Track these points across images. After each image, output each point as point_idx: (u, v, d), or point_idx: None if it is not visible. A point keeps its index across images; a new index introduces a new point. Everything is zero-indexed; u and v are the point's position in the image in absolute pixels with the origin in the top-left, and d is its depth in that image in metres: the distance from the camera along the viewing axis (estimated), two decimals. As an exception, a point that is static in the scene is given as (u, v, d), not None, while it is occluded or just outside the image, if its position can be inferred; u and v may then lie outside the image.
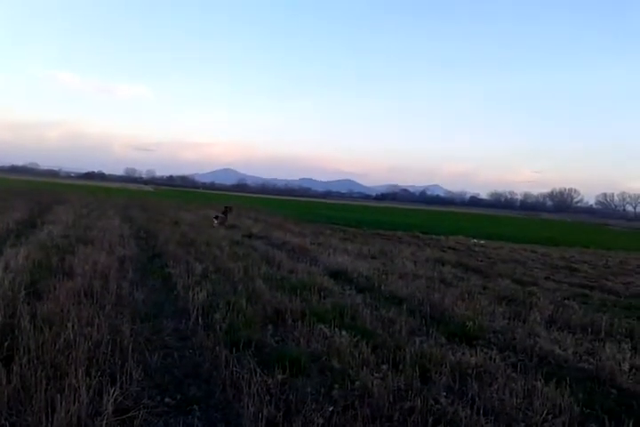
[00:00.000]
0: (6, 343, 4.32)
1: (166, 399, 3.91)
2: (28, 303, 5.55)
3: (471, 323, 6.42)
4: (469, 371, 4.86)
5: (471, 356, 5.29)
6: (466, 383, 4.60)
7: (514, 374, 4.89)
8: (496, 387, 4.53)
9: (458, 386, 4.54)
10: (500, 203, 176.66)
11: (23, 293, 5.87)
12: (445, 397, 4.24)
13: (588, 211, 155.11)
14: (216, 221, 18.96)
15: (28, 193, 33.69)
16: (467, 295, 8.59)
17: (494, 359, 5.28)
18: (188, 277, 8.04)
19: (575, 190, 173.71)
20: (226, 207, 21.23)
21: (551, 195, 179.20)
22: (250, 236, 16.37)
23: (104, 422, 3.19)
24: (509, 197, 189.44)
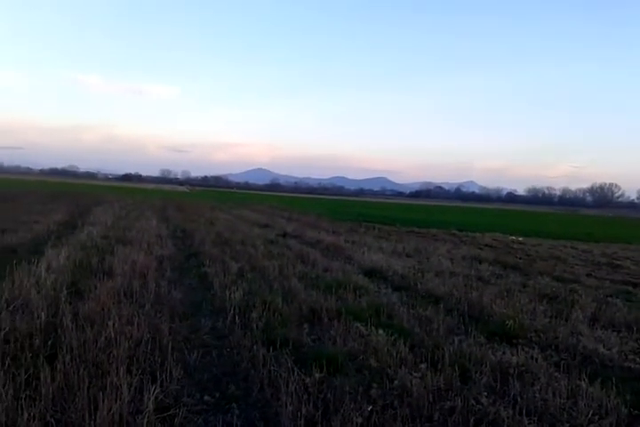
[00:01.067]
0: (50, 342, 4.43)
1: (205, 397, 3.95)
2: (70, 303, 5.67)
3: (511, 321, 6.28)
4: (511, 370, 4.75)
5: (512, 355, 5.18)
6: (507, 383, 4.49)
7: (557, 374, 4.77)
8: (539, 387, 4.42)
9: (499, 386, 4.44)
10: (538, 199, 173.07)
11: (65, 292, 6.01)
12: (486, 397, 4.15)
13: (630, 206, 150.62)
14: None
15: (67, 195, 34.60)
16: (506, 293, 8.42)
17: (536, 359, 5.16)
18: (225, 276, 8.10)
19: (616, 185, 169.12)
20: None
21: (591, 190, 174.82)
22: (284, 235, 16.42)
23: (145, 420, 3.23)
24: (547, 192, 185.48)
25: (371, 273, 9.75)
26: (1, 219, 14.55)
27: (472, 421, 3.67)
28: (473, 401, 4.01)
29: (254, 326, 5.56)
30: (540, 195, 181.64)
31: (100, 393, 3.43)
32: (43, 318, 4.95)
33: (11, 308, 5.20)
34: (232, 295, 6.67)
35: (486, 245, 18.94)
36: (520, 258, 15.15)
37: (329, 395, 3.96)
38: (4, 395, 3.27)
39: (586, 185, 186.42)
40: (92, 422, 3.13)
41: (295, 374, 4.17)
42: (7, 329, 4.50)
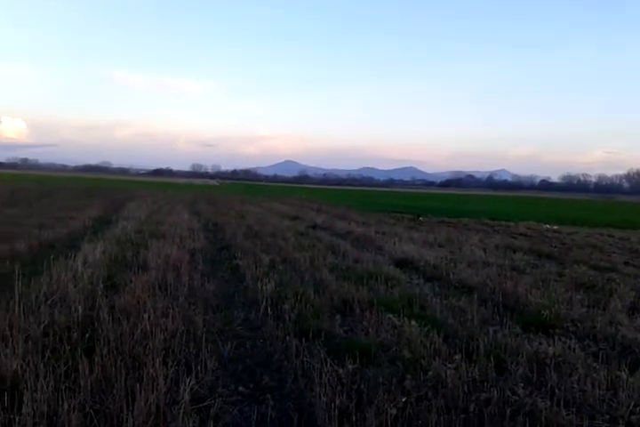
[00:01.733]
0: (87, 334, 4.52)
1: (240, 388, 3.98)
2: (107, 296, 5.79)
3: (547, 311, 6.16)
4: (547, 361, 4.67)
5: (549, 345, 5.08)
6: (544, 374, 4.41)
7: (595, 364, 4.65)
8: (576, 378, 4.32)
9: (535, 377, 4.36)
10: (573, 186, 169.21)
11: (101, 286, 6.12)
12: (523, 388, 4.07)
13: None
14: None
15: (101, 191, 35.33)
16: (541, 283, 8.27)
17: (573, 349, 5.04)
18: (256, 268, 8.16)
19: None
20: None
21: (628, 176, 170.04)
22: (314, 227, 16.44)
23: (181, 410, 3.28)
24: (582, 179, 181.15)
25: (402, 264, 9.69)
26: (38, 215, 14.94)
27: (508, 412, 3.60)
28: (509, 392, 3.94)
29: (287, 317, 5.58)
30: (575, 182, 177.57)
31: (137, 385, 3.49)
32: (80, 311, 5.05)
33: (49, 301, 5.33)
34: (264, 287, 6.71)
35: (520, 234, 18.63)
36: (555, 247, 14.86)
37: (362, 386, 3.95)
38: (45, 386, 3.36)
39: (622, 171, 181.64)
40: (130, 413, 3.18)
41: (328, 365, 4.17)
42: (46, 322, 4.61)
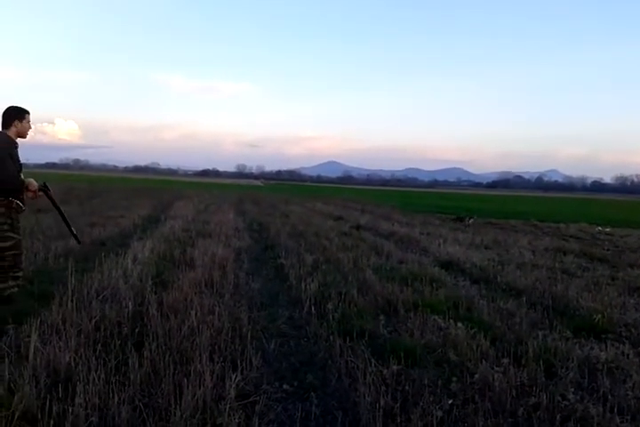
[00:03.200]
0: (137, 330, 4.64)
1: (284, 386, 4.00)
2: (155, 293, 5.92)
3: (599, 316, 5.95)
4: (599, 366, 4.50)
5: (601, 351, 4.91)
6: (596, 380, 4.26)
7: (651, 371, 4.46)
8: (631, 384, 4.15)
9: (587, 382, 4.21)
10: (627, 187, 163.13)
11: (150, 283, 6.28)
12: (573, 393, 3.94)
13: None
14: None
15: (150, 191, 36.23)
16: (593, 286, 8.00)
17: (627, 355, 4.86)
18: (300, 267, 8.19)
19: None
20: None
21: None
22: (357, 227, 16.39)
23: (227, 406, 3.31)
24: (636, 180, 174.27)
25: (447, 265, 9.55)
26: (90, 214, 15.44)
27: (558, 417, 3.50)
28: (559, 397, 3.82)
29: (330, 316, 5.58)
30: (629, 183, 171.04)
31: (185, 379, 3.55)
32: (130, 307, 5.20)
33: (101, 297, 5.51)
34: (307, 286, 6.73)
35: (571, 237, 18.07)
36: (608, 250, 14.33)
37: (407, 387, 3.90)
38: (96, 379, 3.46)
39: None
40: (178, 407, 3.24)
41: (372, 365, 4.15)
42: (98, 317, 4.76)
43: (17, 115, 5.02)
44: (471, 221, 19.45)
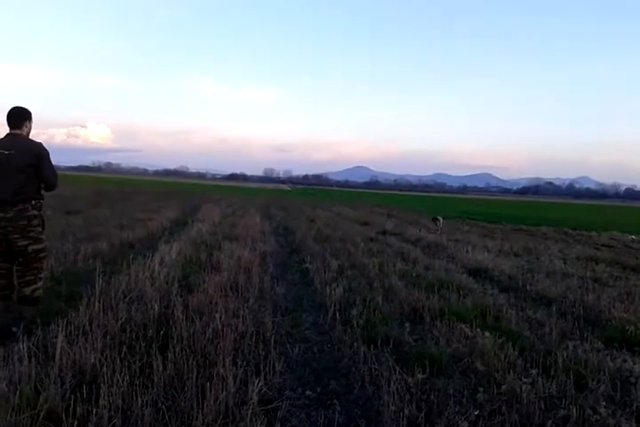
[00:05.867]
0: (162, 332, 4.66)
1: (307, 392, 3.96)
2: (181, 295, 5.95)
3: (632, 327, 5.76)
4: (632, 380, 4.35)
5: (634, 363, 4.74)
6: (629, 393, 4.11)
7: (687, 387, 4.29)
8: (665, 399, 4.01)
9: (619, 396, 4.07)
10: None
11: (176, 285, 6.32)
12: (605, 407, 3.80)
13: None
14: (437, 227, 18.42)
15: (179, 194, 36.69)
16: (626, 296, 7.77)
17: (662, 368, 4.70)
18: (325, 272, 8.16)
19: None
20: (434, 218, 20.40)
21: None
22: (384, 232, 16.28)
23: (249, 411, 3.29)
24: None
25: (475, 273, 9.39)
26: (119, 216, 15.69)
27: (589, 432, 3.39)
28: (590, 411, 3.69)
29: (354, 323, 5.52)
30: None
31: (208, 383, 3.54)
32: (156, 309, 5.23)
33: (127, 299, 5.55)
34: (332, 292, 6.69)
35: (603, 245, 17.65)
36: (641, 259, 13.94)
37: (432, 396, 3.82)
38: (120, 381, 3.48)
39: None
40: (200, 411, 3.23)
41: (397, 373, 4.08)
42: (124, 319, 4.79)
43: (28, 115, 4.99)
44: (440, 224, 18.34)
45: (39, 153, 4.85)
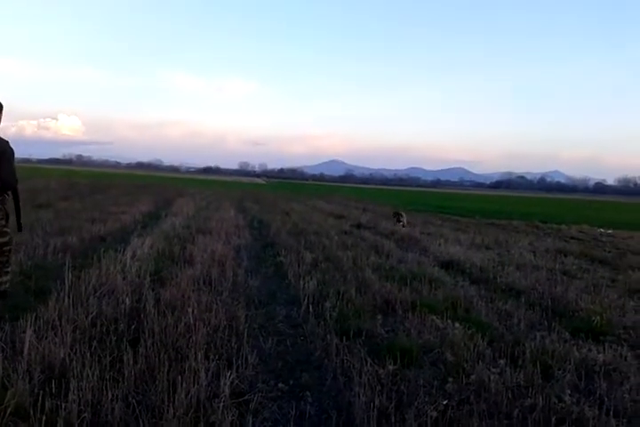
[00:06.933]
0: (133, 326, 4.62)
1: (279, 385, 3.98)
2: (153, 289, 5.90)
3: (598, 318, 5.93)
4: (596, 369, 4.49)
5: (598, 353, 4.89)
6: (593, 382, 4.24)
7: (649, 374, 4.44)
8: (628, 387, 4.14)
9: (584, 384, 4.19)
10: (630, 189, 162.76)
11: (148, 279, 6.26)
12: (570, 395, 3.91)
13: None
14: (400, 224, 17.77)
15: (152, 187, 36.20)
16: (593, 288, 7.98)
17: (625, 357, 4.85)
18: (299, 265, 8.17)
19: None
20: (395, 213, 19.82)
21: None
22: (358, 226, 16.36)
23: (221, 404, 3.30)
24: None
25: (447, 265, 9.52)
26: (91, 209, 15.42)
27: (554, 419, 3.48)
28: (555, 399, 3.79)
29: (328, 315, 5.56)
30: (632, 185, 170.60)
31: (179, 377, 3.54)
32: (127, 303, 5.19)
33: (98, 293, 5.48)
34: (306, 285, 6.72)
35: (572, 238, 18.03)
36: (609, 252, 14.28)
37: (402, 387, 3.89)
38: (90, 375, 3.45)
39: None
40: (171, 405, 3.22)
41: (368, 364, 4.13)
42: (94, 313, 4.74)
43: (1, 110, 4.88)
44: (404, 220, 17.98)
45: (3, 151, 4.74)
